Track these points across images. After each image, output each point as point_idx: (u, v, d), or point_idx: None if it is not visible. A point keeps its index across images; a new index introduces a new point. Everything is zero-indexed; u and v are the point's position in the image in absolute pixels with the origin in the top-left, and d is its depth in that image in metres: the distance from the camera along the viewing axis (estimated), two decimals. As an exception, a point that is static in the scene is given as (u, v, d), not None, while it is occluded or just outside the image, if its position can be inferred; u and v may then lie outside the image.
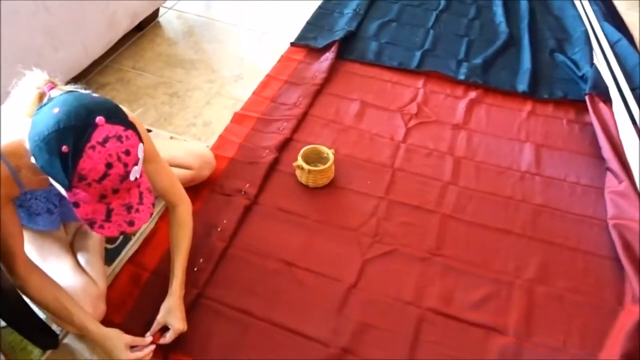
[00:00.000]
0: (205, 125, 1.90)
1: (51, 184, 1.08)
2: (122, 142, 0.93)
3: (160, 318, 1.24)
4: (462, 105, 2.02)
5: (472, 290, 1.42)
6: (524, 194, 1.69)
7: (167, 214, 1.56)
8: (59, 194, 1.21)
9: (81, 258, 1.33)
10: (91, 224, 0.98)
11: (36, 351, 1.25)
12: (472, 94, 2.07)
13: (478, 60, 2.22)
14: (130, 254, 1.46)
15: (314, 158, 1.68)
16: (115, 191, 0.96)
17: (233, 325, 1.31)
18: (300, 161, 1.64)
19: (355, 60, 2.22)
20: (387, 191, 1.67)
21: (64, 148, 0.89)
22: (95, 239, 1.39)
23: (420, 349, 1.29)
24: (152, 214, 1.05)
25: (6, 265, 1.11)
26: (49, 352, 1.26)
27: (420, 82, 2.12)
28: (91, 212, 0.97)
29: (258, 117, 1.92)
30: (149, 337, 1.23)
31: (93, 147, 0.90)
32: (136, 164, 0.96)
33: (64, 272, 1.26)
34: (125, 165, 0.93)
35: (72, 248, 1.36)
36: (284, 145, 1.80)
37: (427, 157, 1.80)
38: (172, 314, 1.24)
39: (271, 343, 1.29)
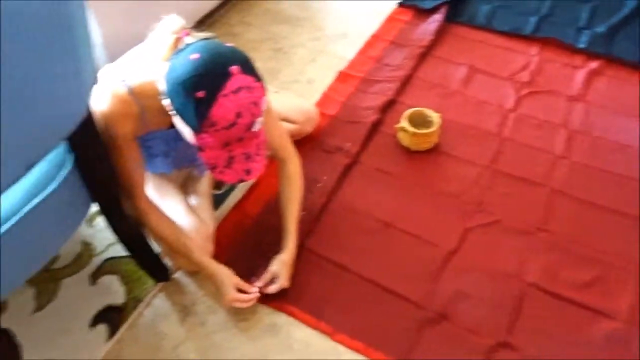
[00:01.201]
0: (309, 83, 1.91)
1: (171, 127, 1.15)
2: (252, 93, 0.96)
3: (273, 270, 1.29)
4: (580, 75, 1.88)
5: (580, 270, 1.35)
6: (644, 174, 1.56)
7: (270, 166, 1.60)
8: (177, 138, 1.27)
9: (192, 201, 1.40)
10: (213, 168, 1.03)
11: (150, 282, 1.35)
12: (593, 65, 1.92)
13: (601, 29, 2.04)
14: (235, 201, 1.53)
15: (419, 121, 1.64)
16: (239, 140, 1.00)
17: (330, 279, 1.34)
18: (404, 123, 1.61)
19: (465, 23, 2.12)
20: (492, 160, 1.61)
21: (200, 93, 0.93)
22: (204, 184, 1.46)
23: (520, 324, 1.25)
24: (265, 164, 1.09)
25: (129, 198, 1.20)
26: (160, 284, 1.35)
27: (534, 50, 2.00)
28: (214, 157, 1.02)
29: (362, 77, 1.90)
30: (256, 286, 1.27)
31: (226, 96, 0.94)
32: (260, 115, 1.00)
33: (178, 212, 1.33)
34: (252, 115, 0.97)
35: (184, 192, 1.44)
36: (387, 107, 1.78)
37: (537, 129, 1.71)
38: (284, 269, 1.29)
39: (366, 299, 1.30)
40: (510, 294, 1.30)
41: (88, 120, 0.92)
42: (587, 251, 1.38)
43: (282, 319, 1.28)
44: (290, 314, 1.28)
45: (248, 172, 1.05)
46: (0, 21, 0.64)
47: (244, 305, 1.26)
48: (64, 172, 0.97)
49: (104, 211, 1.16)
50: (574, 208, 1.48)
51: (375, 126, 1.71)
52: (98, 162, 1.02)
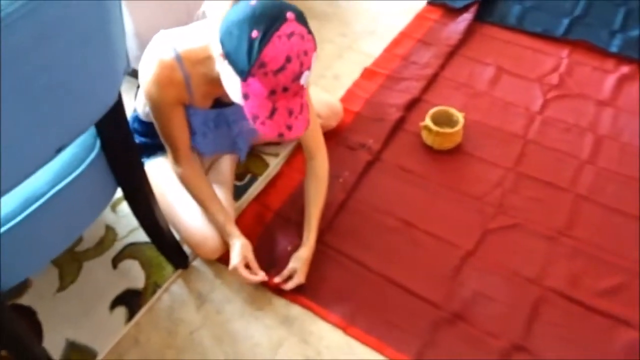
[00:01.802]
0: (335, 79, 1.91)
1: (212, 107, 1.16)
2: (304, 41, 0.98)
3: (291, 267, 1.30)
4: (611, 80, 1.84)
5: (602, 277, 1.32)
6: (674, 183, 1.52)
7: (292, 160, 1.63)
8: (216, 120, 1.30)
9: (215, 189, 1.42)
10: (254, 118, 1.04)
11: (169, 268, 1.37)
12: (625, 69, 1.87)
13: (635, 32, 1.99)
14: (256, 193, 1.54)
15: (443, 120, 1.63)
16: (285, 89, 1.00)
17: (347, 274, 1.35)
18: (428, 121, 1.60)
19: (495, 23, 2.10)
20: (516, 163, 1.59)
21: (254, 33, 0.95)
22: (227, 175, 1.48)
23: (537, 328, 1.23)
24: (307, 127, 1.09)
25: (171, 154, 1.26)
26: (179, 271, 1.37)
27: (565, 52, 1.96)
28: (257, 106, 1.03)
29: (388, 74, 1.89)
30: (262, 274, 1.28)
31: (280, 37, 0.95)
32: (309, 68, 1.01)
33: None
34: (301, 64, 0.98)
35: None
36: (412, 105, 1.77)
37: (564, 132, 1.68)
38: (302, 266, 1.30)
39: (382, 296, 1.30)
40: (528, 297, 1.29)
41: (117, 106, 0.94)
42: (611, 258, 1.36)
43: (297, 311, 1.29)
44: (306, 306, 1.29)
45: (289, 127, 1.05)
46: (49, 21, 0.68)
47: (245, 281, 1.27)
48: (91, 156, 0.99)
49: (127, 196, 1.18)
50: (598, 214, 1.46)
51: (399, 124, 1.71)
52: (124, 146, 1.04)
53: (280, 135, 1.05)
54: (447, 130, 1.59)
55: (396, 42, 2.03)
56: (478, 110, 1.75)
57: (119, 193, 1.16)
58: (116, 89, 0.90)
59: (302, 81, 1.01)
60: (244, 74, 0.99)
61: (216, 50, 1.04)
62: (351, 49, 2.04)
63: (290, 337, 1.25)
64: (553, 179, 1.54)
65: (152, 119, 1.24)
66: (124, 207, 1.48)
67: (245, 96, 1.02)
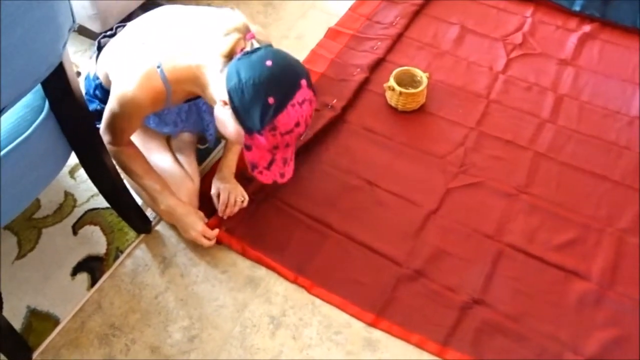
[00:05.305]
0: (298, 39, 1.88)
1: (185, 102, 1.19)
2: (311, 106, 1.04)
3: (220, 188, 1.34)
4: (573, 39, 1.86)
5: (558, 232, 1.36)
6: (630, 140, 1.56)
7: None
8: (189, 111, 1.29)
9: (178, 156, 1.40)
10: (253, 167, 1.09)
11: (131, 233, 1.36)
12: (587, 28, 1.89)
13: (598, -9, 2.00)
14: (219, 155, 1.52)
15: (407, 81, 1.63)
16: (287, 145, 1.06)
17: (310, 234, 1.35)
18: (392, 82, 1.59)
19: (460, -18, 2.07)
20: (478, 122, 1.60)
21: (271, 100, 0.98)
22: (189, 139, 1.45)
23: (495, 282, 1.27)
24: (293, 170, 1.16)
25: (112, 139, 1.21)
26: (142, 236, 1.36)
27: (528, 11, 1.96)
28: (258, 157, 1.08)
29: (352, 34, 1.86)
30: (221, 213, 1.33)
31: (294, 105, 1.00)
32: (309, 126, 1.09)
33: (166, 165, 1.34)
34: (307, 126, 1.05)
35: (169, 145, 1.43)
36: (376, 65, 1.75)
37: (526, 91, 1.69)
38: (234, 186, 1.35)
39: (345, 255, 1.32)
40: (487, 253, 1.32)
41: (63, 65, 0.90)
42: (567, 214, 1.40)
43: (262, 272, 1.30)
44: (271, 267, 1.30)
45: (282, 175, 1.13)
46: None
47: (208, 242, 1.29)
48: (40, 118, 0.95)
49: (82, 160, 1.15)
50: (556, 171, 1.49)
51: (363, 85, 1.69)
52: (74, 108, 1.01)
53: (274, 182, 1.13)
54: (411, 90, 1.59)
55: (361, 1, 1.99)
56: (442, 70, 1.74)
57: (77, 160, 1.13)
58: (60, 46, 0.86)
59: (302, 136, 1.07)
60: (251, 131, 1.02)
61: (218, 94, 1.05)
62: (315, 7, 2.00)
63: (255, 298, 1.26)
64: (514, 137, 1.57)
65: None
66: (83, 173, 1.44)
67: (248, 147, 1.06)
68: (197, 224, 1.27)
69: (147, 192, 1.27)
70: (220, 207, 1.34)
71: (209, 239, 1.29)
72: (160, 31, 1.15)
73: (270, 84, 0.98)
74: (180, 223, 1.29)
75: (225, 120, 1.07)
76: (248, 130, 1.03)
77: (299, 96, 1.00)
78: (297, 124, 1.02)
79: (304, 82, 1.01)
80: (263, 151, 1.07)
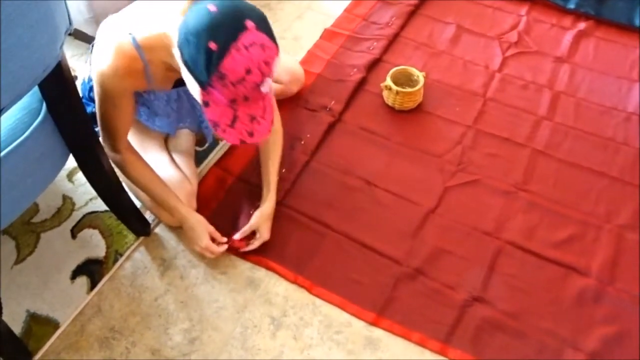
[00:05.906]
0: (295, 40, 1.88)
1: (175, 86, 1.12)
2: (264, 51, 0.94)
3: (254, 223, 1.29)
4: (568, 37, 1.86)
5: (556, 229, 1.36)
6: (627, 136, 1.57)
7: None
8: (178, 98, 1.26)
9: (176, 157, 1.40)
10: (215, 126, 1.02)
11: (130, 236, 1.35)
12: (581, 26, 1.90)
13: (592, -11, 2.01)
14: (217, 157, 1.52)
15: (403, 80, 1.63)
16: (245, 99, 0.98)
17: (310, 235, 1.35)
18: (388, 81, 1.59)
19: (455, -19, 2.08)
20: (475, 120, 1.61)
21: (212, 45, 0.91)
22: (187, 140, 1.45)
23: (495, 279, 1.27)
24: (270, 130, 1.07)
25: (109, 142, 1.19)
26: (141, 238, 1.36)
27: (523, 10, 1.97)
28: (218, 114, 1.00)
29: (348, 34, 1.87)
30: (233, 238, 1.29)
31: (238, 49, 0.91)
32: (270, 76, 0.98)
33: (163, 167, 1.33)
34: (262, 74, 0.95)
35: (166, 147, 1.43)
36: (373, 65, 1.76)
37: (522, 89, 1.70)
38: (264, 222, 1.30)
39: (345, 255, 1.32)
40: (486, 250, 1.32)
41: (60, 67, 0.90)
42: (566, 211, 1.40)
43: (262, 273, 1.30)
44: (270, 268, 1.30)
45: (251, 134, 1.03)
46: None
47: (212, 255, 1.27)
48: (37, 120, 0.95)
49: (80, 163, 1.15)
50: (554, 168, 1.49)
51: (360, 85, 1.70)
52: (72, 111, 1.01)
53: (242, 141, 1.04)
54: (408, 89, 1.59)
55: (357, 2, 2.00)
56: (438, 70, 1.75)
57: (75, 163, 1.12)
58: (57, 48, 0.86)
59: (264, 89, 0.98)
60: (203, 84, 0.96)
61: (175, 53, 0.99)
62: (311, 9, 2.00)
63: (255, 299, 1.25)
64: (511, 135, 1.57)
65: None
66: (81, 176, 1.43)
67: (206, 103, 1.00)
68: (202, 239, 1.25)
69: (156, 202, 1.27)
70: (256, 243, 1.30)
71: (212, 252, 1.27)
72: (132, 9, 1.13)
73: (211, 29, 0.91)
74: (187, 233, 1.29)
75: (188, 82, 1.01)
76: (200, 83, 0.96)
77: (245, 39, 0.91)
78: (248, 71, 0.93)
79: (250, 23, 0.91)
80: (222, 106, 0.99)
